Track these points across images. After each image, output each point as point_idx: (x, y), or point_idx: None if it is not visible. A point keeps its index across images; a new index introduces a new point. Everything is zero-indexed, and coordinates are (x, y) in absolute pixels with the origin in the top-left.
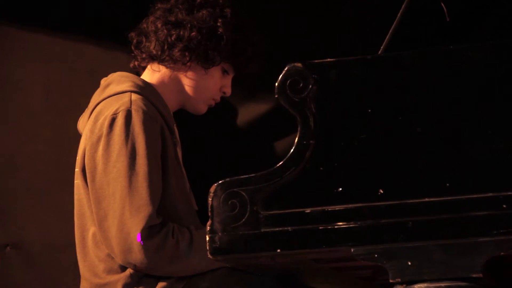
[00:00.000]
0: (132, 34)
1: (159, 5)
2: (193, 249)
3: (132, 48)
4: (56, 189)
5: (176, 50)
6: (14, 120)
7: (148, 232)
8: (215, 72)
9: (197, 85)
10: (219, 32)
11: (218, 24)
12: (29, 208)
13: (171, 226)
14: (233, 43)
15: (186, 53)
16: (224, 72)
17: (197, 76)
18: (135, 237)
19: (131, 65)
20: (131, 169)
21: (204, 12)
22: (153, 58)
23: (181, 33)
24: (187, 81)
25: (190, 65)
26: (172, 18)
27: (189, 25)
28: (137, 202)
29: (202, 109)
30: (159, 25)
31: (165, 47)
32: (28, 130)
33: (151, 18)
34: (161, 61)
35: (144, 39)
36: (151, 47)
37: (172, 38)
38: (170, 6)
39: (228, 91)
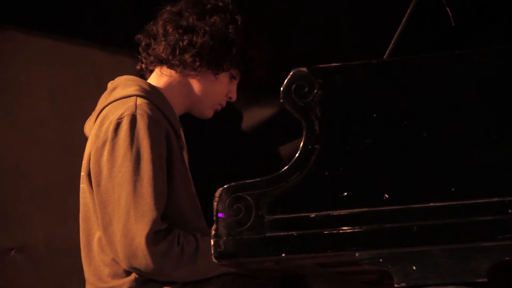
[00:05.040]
0: (140, 36)
1: (167, 8)
2: (199, 256)
3: (140, 50)
4: (62, 193)
5: (188, 56)
6: (19, 124)
7: (153, 238)
8: (224, 78)
9: (205, 90)
10: (230, 39)
11: (230, 30)
12: (34, 212)
13: (176, 233)
14: (243, 50)
15: (197, 59)
16: (232, 77)
17: (206, 82)
18: (140, 242)
19: (137, 67)
20: (136, 174)
21: (216, 18)
22: (162, 62)
23: (194, 38)
24: (196, 86)
25: (200, 71)
26: (184, 23)
27: (202, 31)
28: (142, 207)
29: (209, 114)
30: (170, 29)
31: (177, 51)
32: (34, 134)
33: (160, 21)
34: (170, 65)
35: (152, 42)
36: (160, 51)
37: (184, 43)
38: (179, 10)
39: (234, 96)
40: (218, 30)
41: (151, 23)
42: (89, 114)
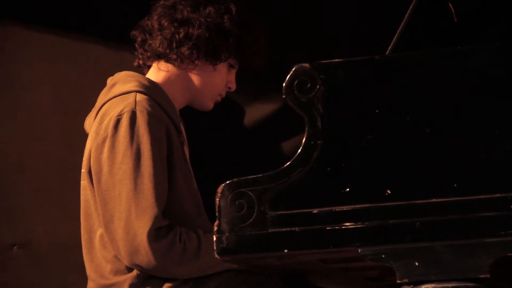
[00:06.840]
0: (135, 32)
1: (161, 2)
2: (201, 253)
3: (136, 46)
4: (64, 189)
5: (185, 48)
6: (21, 120)
7: (155, 234)
8: (222, 68)
9: (205, 82)
10: (226, 29)
11: (225, 20)
12: (36, 208)
13: (178, 230)
14: (240, 39)
15: (194, 51)
16: (230, 67)
17: (205, 73)
18: (142, 239)
19: (135, 63)
20: (137, 170)
21: (210, 8)
22: (159, 56)
23: (190, 30)
24: (195, 78)
25: (198, 63)
26: (179, 16)
27: (197, 23)
28: (143, 203)
29: (210, 105)
30: (165, 23)
31: (173, 45)
32: (36, 130)
33: (155, 16)
34: (168, 59)
35: (148, 37)
36: (157, 45)
37: (180, 36)
38: (173, 3)
39: (233, 86)
40: (214, 21)
41: (146, 18)
42: (91, 110)
